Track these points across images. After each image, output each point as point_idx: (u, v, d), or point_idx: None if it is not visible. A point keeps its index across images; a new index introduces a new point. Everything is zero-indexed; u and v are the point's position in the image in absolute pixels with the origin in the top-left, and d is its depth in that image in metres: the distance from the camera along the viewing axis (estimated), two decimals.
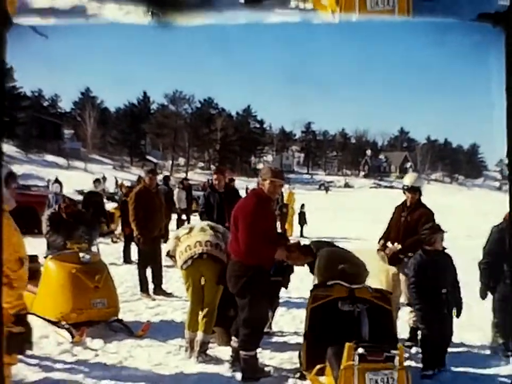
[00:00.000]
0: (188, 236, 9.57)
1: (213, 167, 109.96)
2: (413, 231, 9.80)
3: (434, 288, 8.75)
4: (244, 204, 8.66)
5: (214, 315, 9.46)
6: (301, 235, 29.95)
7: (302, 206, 30.90)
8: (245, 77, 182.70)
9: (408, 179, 10.46)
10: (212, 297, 9.42)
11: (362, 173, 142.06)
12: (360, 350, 6.86)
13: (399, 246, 9.83)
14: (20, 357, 9.00)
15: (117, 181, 44.89)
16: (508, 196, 5.91)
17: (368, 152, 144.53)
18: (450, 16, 6.50)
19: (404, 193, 10.39)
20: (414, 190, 10.24)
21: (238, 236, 8.45)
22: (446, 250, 9.08)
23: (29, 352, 9.26)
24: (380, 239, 10.46)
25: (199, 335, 9.40)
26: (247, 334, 8.60)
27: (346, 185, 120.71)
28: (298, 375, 8.58)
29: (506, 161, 6.01)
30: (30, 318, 10.38)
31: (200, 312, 9.52)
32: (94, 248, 11.91)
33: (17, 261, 6.72)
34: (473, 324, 10.95)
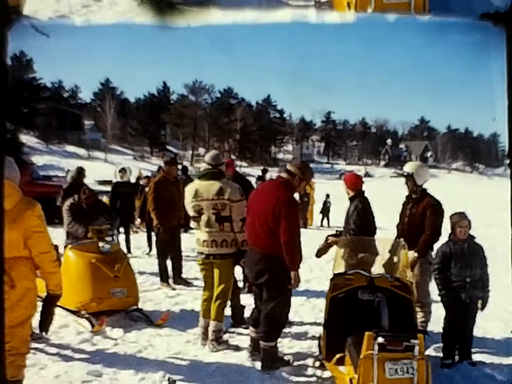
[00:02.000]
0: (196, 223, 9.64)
1: (233, 156, 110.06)
2: (418, 224, 9.66)
3: (457, 276, 8.71)
4: (280, 195, 8.44)
5: (224, 304, 9.52)
6: (321, 224, 29.87)
7: (327, 196, 30.64)
8: (264, 67, 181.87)
9: (406, 167, 10.17)
10: (222, 287, 9.45)
11: (382, 162, 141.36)
12: (380, 340, 6.83)
13: (416, 254, 9.58)
14: (39, 346, 9.11)
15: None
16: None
17: (389, 141, 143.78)
18: (466, 12, 6.44)
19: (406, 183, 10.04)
20: (409, 176, 9.91)
21: (280, 228, 8.28)
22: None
23: (48, 341, 9.37)
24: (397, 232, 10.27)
25: (211, 324, 9.45)
26: (270, 326, 8.63)
27: (367, 175, 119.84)
28: (317, 364, 8.59)
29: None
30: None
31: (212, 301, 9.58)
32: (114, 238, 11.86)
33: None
34: (494, 313, 10.88)
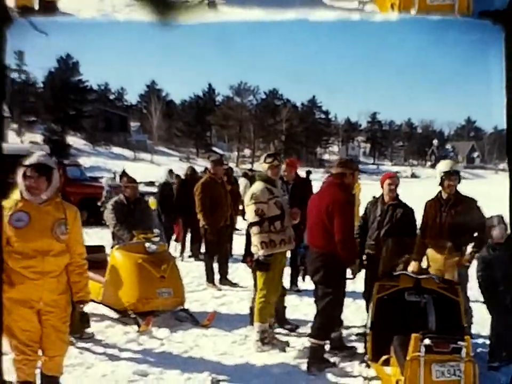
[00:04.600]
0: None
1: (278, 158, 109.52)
2: (461, 225, 9.36)
3: (503, 281, 8.59)
4: (334, 196, 8.70)
5: (264, 305, 9.50)
6: None
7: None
8: (310, 67, 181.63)
9: (446, 165, 9.77)
10: (261, 288, 9.52)
11: (429, 163, 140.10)
12: (427, 341, 6.78)
13: (473, 249, 9.39)
14: (86, 345, 9.22)
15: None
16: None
17: (435, 142, 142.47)
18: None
19: (441, 183, 9.64)
20: (456, 174, 9.62)
21: (334, 227, 8.51)
22: None
23: (95, 341, 9.47)
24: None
25: (255, 325, 9.55)
26: (324, 323, 8.74)
27: (413, 175, 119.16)
28: (363, 365, 8.55)
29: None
30: (98, 307, 10.59)
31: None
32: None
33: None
34: None
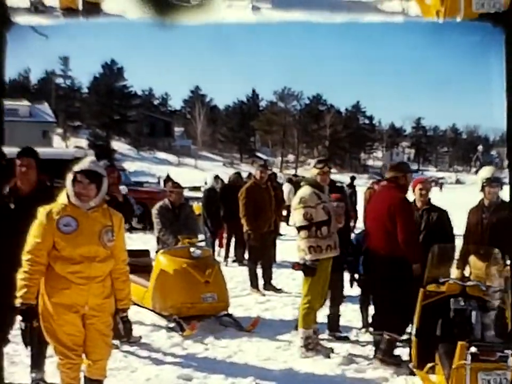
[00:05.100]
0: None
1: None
2: (500, 233, 9.08)
3: None
4: (394, 197, 8.89)
5: (308, 311, 9.47)
6: None
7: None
8: (355, 72, 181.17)
9: (488, 171, 9.66)
10: (306, 292, 9.49)
11: (474, 169, 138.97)
12: (473, 349, 6.70)
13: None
14: (130, 349, 9.28)
15: None
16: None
17: (480, 147, 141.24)
18: None
19: (483, 190, 9.53)
20: (497, 181, 9.51)
21: (397, 228, 8.66)
22: None
23: (140, 345, 9.52)
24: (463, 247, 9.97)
25: (299, 331, 9.52)
26: (398, 317, 8.80)
27: (458, 182, 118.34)
28: (408, 372, 8.49)
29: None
30: (142, 311, 10.66)
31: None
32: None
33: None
34: None
